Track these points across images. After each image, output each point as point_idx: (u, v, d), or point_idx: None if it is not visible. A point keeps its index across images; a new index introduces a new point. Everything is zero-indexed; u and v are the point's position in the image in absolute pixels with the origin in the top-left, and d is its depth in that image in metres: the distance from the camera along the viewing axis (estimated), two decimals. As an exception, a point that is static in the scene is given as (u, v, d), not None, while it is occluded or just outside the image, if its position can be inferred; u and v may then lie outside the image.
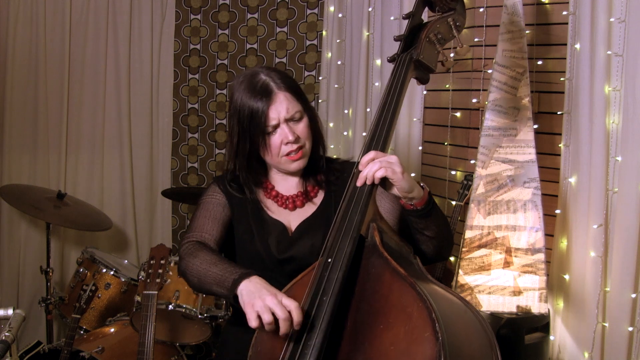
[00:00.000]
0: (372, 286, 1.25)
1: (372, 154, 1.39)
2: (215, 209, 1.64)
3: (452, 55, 1.55)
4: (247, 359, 1.35)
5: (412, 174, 3.02)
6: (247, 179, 1.63)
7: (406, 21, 1.58)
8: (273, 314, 1.23)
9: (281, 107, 1.52)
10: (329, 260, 1.28)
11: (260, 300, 1.25)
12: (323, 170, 1.66)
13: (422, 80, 1.58)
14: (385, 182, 1.40)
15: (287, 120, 1.53)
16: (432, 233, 1.50)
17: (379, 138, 1.44)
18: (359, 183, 1.38)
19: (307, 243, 1.58)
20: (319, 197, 1.66)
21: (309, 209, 1.65)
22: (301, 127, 1.56)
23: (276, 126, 1.53)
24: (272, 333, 1.26)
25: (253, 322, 1.24)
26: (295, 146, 1.55)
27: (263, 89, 1.53)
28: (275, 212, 1.65)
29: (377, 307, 1.22)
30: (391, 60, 1.54)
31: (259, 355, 1.32)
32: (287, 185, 1.67)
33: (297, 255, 1.58)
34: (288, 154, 1.56)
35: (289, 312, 1.22)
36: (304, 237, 1.59)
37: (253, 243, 1.61)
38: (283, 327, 1.22)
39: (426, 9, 1.65)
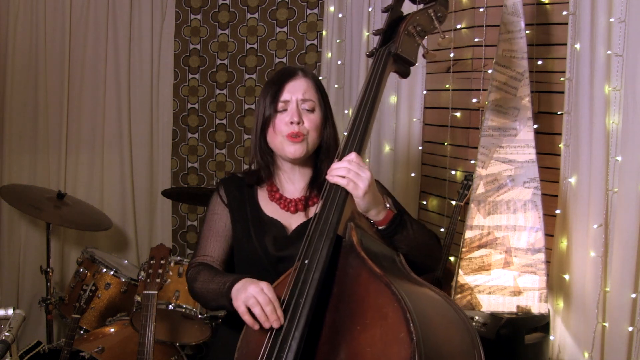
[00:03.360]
0: (350, 287, 1.24)
1: (352, 156, 1.36)
2: (217, 225, 1.67)
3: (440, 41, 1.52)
4: None
5: (412, 174, 3.03)
6: (261, 165, 1.66)
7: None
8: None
9: (299, 86, 1.58)
10: (305, 262, 1.28)
11: (244, 292, 1.30)
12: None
13: (403, 74, 1.55)
14: None
15: (298, 102, 1.57)
16: (403, 250, 1.45)
17: (356, 134, 1.40)
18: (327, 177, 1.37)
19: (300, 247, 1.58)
20: (315, 209, 1.64)
21: (309, 214, 1.65)
22: (311, 117, 1.58)
23: (287, 102, 1.56)
24: (256, 334, 1.28)
25: (244, 316, 1.29)
26: (297, 128, 1.55)
27: (288, 70, 1.62)
28: (275, 213, 1.65)
29: (355, 308, 1.21)
30: (370, 55, 1.52)
31: (243, 356, 1.33)
32: (292, 188, 1.67)
33: (291, 257, 1.56)
34: (289, 134, 1.56)
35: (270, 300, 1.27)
36: (300, 240, 1.58)
37: (250, 242, 1.61)
38: (265, 312, 1.26)
39: (407, 3, 1.62)
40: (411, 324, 1.10)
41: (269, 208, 1.66)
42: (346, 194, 1.34)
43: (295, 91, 1.57)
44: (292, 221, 1.64)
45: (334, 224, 1.30)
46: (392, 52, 1.46)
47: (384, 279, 1.19)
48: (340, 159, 1.37)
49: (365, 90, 1.45)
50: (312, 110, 1.58)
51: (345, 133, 1.43)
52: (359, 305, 1.20)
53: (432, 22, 1.51)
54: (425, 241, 1.51)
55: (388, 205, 1.43)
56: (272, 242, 1.60)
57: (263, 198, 1.68)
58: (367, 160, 3.24)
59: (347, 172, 1.33)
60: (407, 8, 1.57)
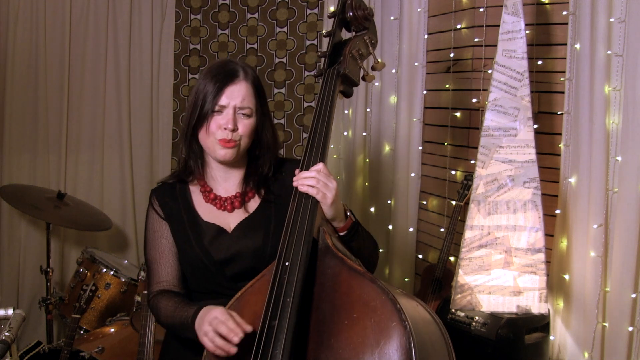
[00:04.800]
0: (331, 286, 1.29)
1: (320, 166, 1.41)
2: (160, 244, 1.67)
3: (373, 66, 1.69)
4: None
5: (412, 174, 3.03)
6: (188, 161, 1.64)
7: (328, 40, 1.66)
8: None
9: (238, 93, 1.54)
10: (287, 263, 1.30)
11: (206, 324, 1.32)
12: (266, 176, 1.65)
13: (347, 94, 1.66)
14: None
15: (235, 109, 1.54)
16: (354, 253, 1.52)
17: (318, 145, 1.46)
18: (294, 184, 1.42)
19: (247, 243, 1.58)
20: (254, 203, 1.65)
21: (249, 209, 1.64)
22: (246, 123, 1.56)
23: (224, 107, 1.54)
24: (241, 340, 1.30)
25: (213, 350, 1.31)
26: (230, 135, 1.54)
27: (229, 72, 1.56)
28: (212, 215, 1.64)
29: (339, 305, 1.26)
30: (318, 75, 1.61)
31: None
32: (226, 185, 1.65)
33: (237, 255, 1.58)
34: (221, 140, 1.55)
35: (236, 324, 1.28)
36: (244, 237, 1.59)
37: (191, 248, 1.60)
38: (228, 327, 1.28)
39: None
40: (402, 314, 1.16)
41: (205, 210, 1.64)
42: (317, 201, 1.40)
43: (234, 97, 1.53)
44: (230, 220, 1.62)
45: (309, 227, 1.35)
46: (340, 72, 1.56)
47: (367, 275, 1.25)
48: (304, 169, 1.43)
49: (320, 107, 1.52)
50: (249, 116, 1.56)
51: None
52: (343, 302, 1.25)
53: (367, 47, 1.65)
54: (370, 248, 1.58)
55: (349, 213, 1.49)
56: (214, 247, 1.59)
57: (198, 201, 1.66)
58: (367, 160, 3.24)
59: (316, 182, 1.39)
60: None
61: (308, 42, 3.58)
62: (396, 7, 3.02)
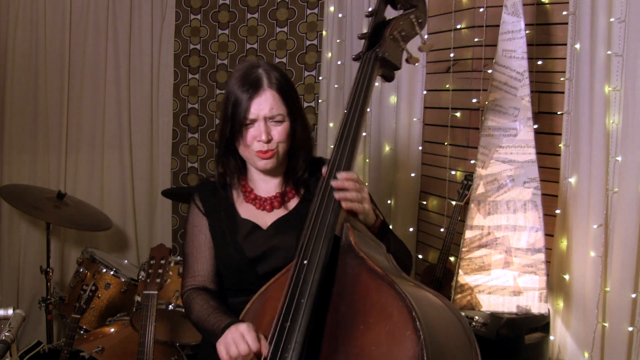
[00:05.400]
0: (350, 286, 1.24)
1: (354, 176, 1.37)
2: (198, 239, 1.67)
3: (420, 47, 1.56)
4: None
5: (412, 174, 3.03)
6: (225, 168, 1.65)
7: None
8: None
9: (265, 104, 1.52)
10: (305, 262, 1.27)
11: (227, 337, 1.34)
12: (304, 176, 1.65)
13: (388, 78, 1.57)
14: None
15: (266, 119, 1.53)
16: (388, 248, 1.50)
17: (347, 137, 1.42)
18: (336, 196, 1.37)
19: (281, 241, 1.58)
20: (294, 202, 1.65)
21: (283, 211, 1.65)
22: (279, 130, 1.55)
23: (254, 120, 1.53)
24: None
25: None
26: (266, 146, 1.54)
27: (254, 81, 1.53)
28: (250, 214, 1.64)
29: (356, 308, 1.21)
30: (356, 58, 1.53)
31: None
32: (266, 186, 1.66)
33: (269, 253, 1.58)
34: (259, 152, 1.55)
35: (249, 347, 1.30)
36: (278, 235, 1.59)
37: (226, 244, 1.61)
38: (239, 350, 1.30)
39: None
40: (417, 322, 1.10)
41: (245, 209, 1.65)
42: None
43: (262, 108, 1.52)
44: (267, 219, 1.63)
45: (331, 225, 1.30)
46: (379, 56, 1.48)
47: (387, 278, 1.19)
48: (330, 168, 1.39)
49: (354, 93, 1.47)
50: (281, 122, 1.55)
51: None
52: (361, 305, 1.20)
53: (414, 27, 1.54)
54: (401, 248, 1.56)
55: (377, 213, 1.48)
56: (247, 243, 1.60)
57: (239, 200, 1.67)
58: (367, 160, 3.24)
59: (357, 195, 1.36)
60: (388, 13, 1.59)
61: (308, 42, 3.58)
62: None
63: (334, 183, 1.35)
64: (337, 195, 1.34)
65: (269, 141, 1.54)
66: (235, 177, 1.66)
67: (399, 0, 1.56)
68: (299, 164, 1.63)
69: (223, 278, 1.66)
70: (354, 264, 1.26)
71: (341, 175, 1.36)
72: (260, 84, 1.53)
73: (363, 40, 1.53)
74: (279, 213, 1.64)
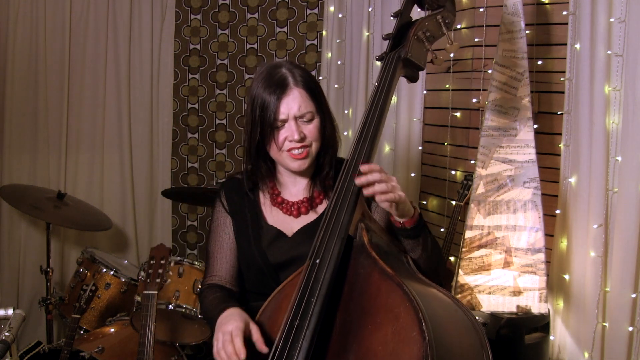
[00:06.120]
0: (361, 286, 1.25)
1: (377, 167, 1.34)
2: (221, 238, 1.66)
3: (445, 48, 1.53)
4: None
5: (412, 174, 3.03)
6: (256, 172, 1.62)
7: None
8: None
9: (293, 103, 1.50)
10: (317, 261, 1.28)
11: (220, 333, 1.35)
12: (331, 174, 1.62)
13: (412, 79, 1.56)
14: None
15: (296, 118, 1.51)
16: (416, 255, 1.46)
17: (366, 137, 1.40)
18: (362, 189, 1.34)
19: (306, 249, 1.54)
20: (323, 206, 1.62)
21: (312, 216, 1.62)
22: (310, 128, 1.53)
23: (285, 121, 1.51)
24: (266, 333, 1.31)
25: (215, 354, 1.33)
26: (299, 145, 1.52)
27: (280, 81, 1.50)
28: (276, 219, 1.63)
29: (366, 308, 1.22)
30: (379, 59, 1.53)
31: (249, 355, 1.34)
32: (294, 189, 1.64)
33: (293, 261, 1.56)
34: (290, 150, 1.53)
35: (233, 351, 1.30)
36: (303, 243, 1.56)
37: (249, 248, 1.60)
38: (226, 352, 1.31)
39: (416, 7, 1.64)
40: (423, 324, 1.11)
41: (270, 212, 1.64)
42: (357, 196, 1.34)
43: (291, 108, 1.50)
44: (293, 225, 1.61)
45: (345, 224, 1.30)
46: (402, 56, 1.47)
47: (395, 279, 1.19)
48: (348, 168, 1.37)
49: (375, 93, 1.45)
50: (310, 120, 1.53)
51: (355, 136, 1.43)
52: (371, 305, 1.21)
53: (440, 28, 1.53)
54: (436, 250, 1.52)
55: (414, 205, 1.44)
56: (271, 249, 1.59)
57: (265, 203, 1.65)
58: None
59: (386, 187, 1.32)
60: (415, 14, 1.58)
61: (308, 42, 3.58)
62: (396, 7, 3.01)
63: (357, 180, 1.32)
64: (366, 191, 1.31)
65: (301, 140, 1.51)
66: (266, 181, 1.64)
67: (427, 0, 1.53)
68: (326, 161, 1.60)
69: (245, 279, 1.65)
70: (366, 264, 1.26)
71: (364, 168, 1.33)
72: (287, 83, 1.50)
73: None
74: (307, 219, 1.61)
